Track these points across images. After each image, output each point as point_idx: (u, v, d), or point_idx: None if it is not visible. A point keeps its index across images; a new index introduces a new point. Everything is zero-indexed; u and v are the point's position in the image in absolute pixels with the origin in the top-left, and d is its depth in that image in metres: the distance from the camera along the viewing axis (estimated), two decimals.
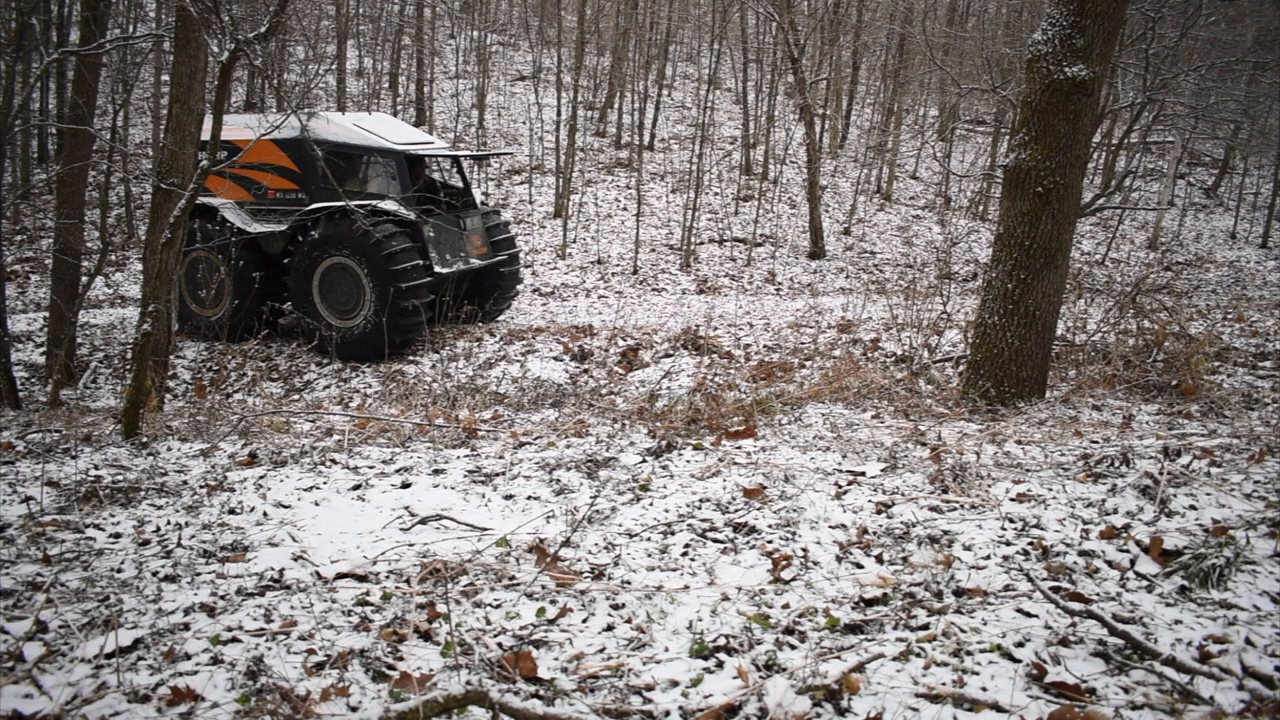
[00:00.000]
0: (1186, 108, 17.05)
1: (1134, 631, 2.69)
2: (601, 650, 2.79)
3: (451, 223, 12.05)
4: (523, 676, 2.61)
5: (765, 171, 20.85)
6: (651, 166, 21.67)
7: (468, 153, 11.95)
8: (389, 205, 11.14)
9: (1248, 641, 2.68)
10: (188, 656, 2.74)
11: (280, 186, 11.90)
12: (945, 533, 3.53)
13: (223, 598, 3.13)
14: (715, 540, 3.56)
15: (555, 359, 10.71)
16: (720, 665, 2.68)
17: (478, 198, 13.29)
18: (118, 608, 3.05)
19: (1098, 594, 3.01)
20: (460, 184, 13.36)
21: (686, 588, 3.16)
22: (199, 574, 3.32)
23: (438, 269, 11.37)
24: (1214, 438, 4.91)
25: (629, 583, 3.22)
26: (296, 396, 10.08)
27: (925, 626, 2.84)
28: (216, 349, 11.79)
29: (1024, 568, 3.17)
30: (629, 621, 2.95)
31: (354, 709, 2.48)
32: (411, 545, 3.57)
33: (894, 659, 2.65)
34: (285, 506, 4.01)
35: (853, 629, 2.87)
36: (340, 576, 3.31)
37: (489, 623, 2.96)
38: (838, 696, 2.47)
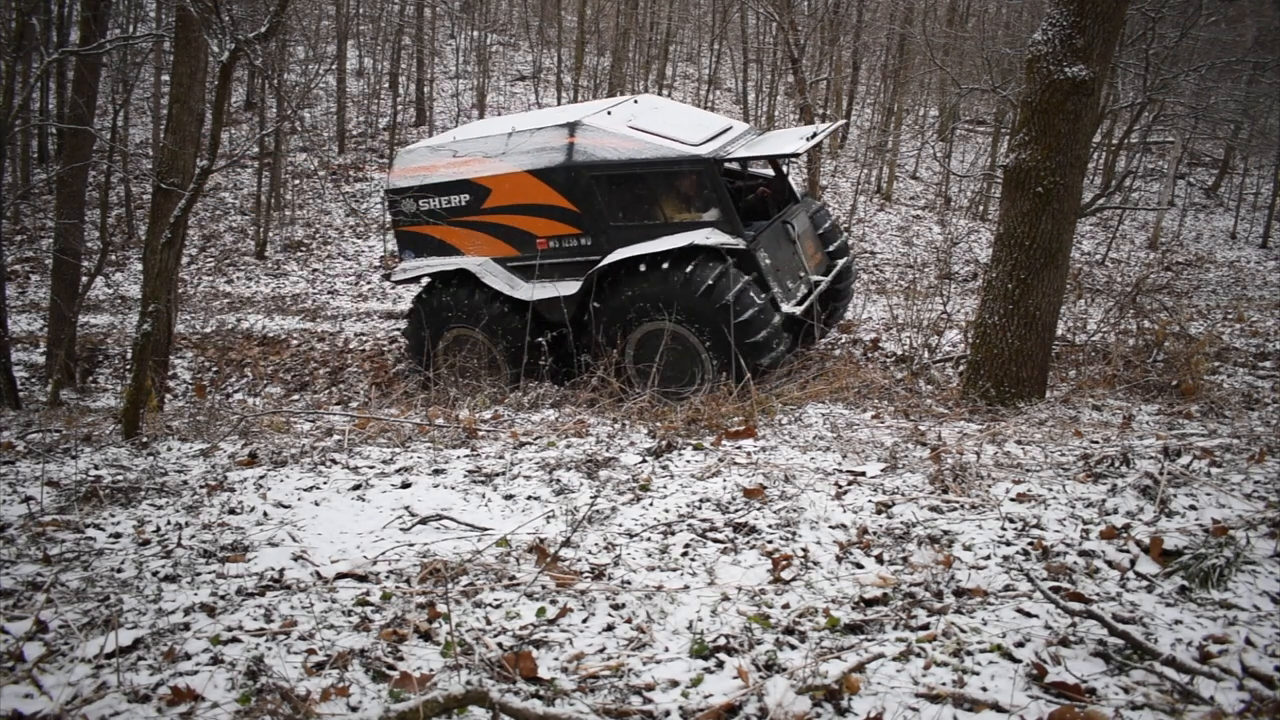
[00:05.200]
0: (1186, 108, 17.04)
1: (1134, 631, 2.69)
2: (601, 650, 2.79)
3: (780, 234, 8.92)
4: (523, 676, 2.61)
5: None
6: None
7: (799, 146, 8.24)
8: (711, 238, 8.10)
9: (1248, 641, 2.68)
10: (188, 656, 2.74)
11: (553, 232, 8.70)
12: (945, 533, 3.53)
13: (223, 598, 3.13)
14: (715, 540, 3.56)
15: None
16: (720, 665, 2.68)
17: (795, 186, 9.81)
18: (118, 608, 3.05)
19: (1098, 594, 3.01)
20: (771, 171, 9.95)
21: (686, 588, 3.16)
22: (199, 574, 3.32)
23: (785, 308, 8.31)
24: (1214, 438, 4.91)
25: (629, 583, 3.22)
26: (296, 397, 10.07)
27: (925, 626, 2.84)
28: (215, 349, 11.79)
29: (1024, 568, 3.17)
30: (629, 621, 2.95)
31: (354, 709, 2.49)
32: (411, 545, 3.57)
33: (894, 659, 2.65)
34: (285, 506, 4.01)
35: (853, 629, 2.87)
36: (340, 576, 3.31)
37: (489, 623, 2.96)
38: (838, 696, 2.47)
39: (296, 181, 19.87)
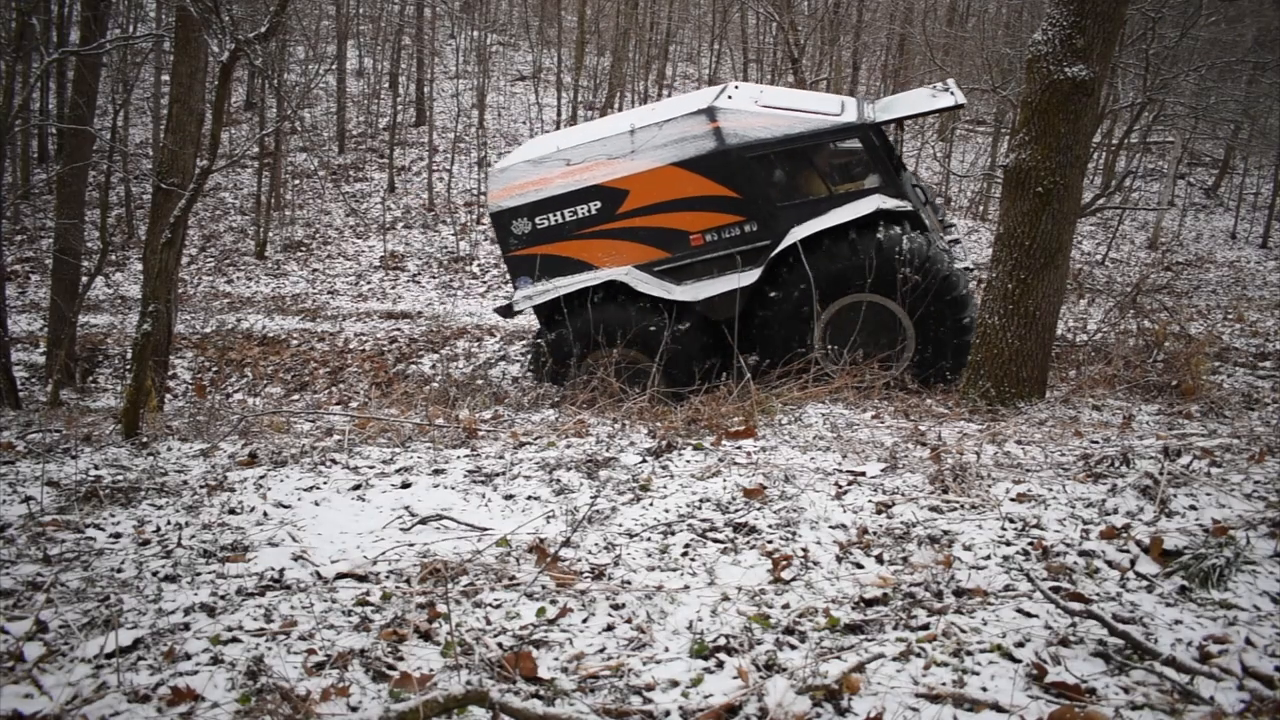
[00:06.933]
0: (1186, 108, 17.04)
1: (1134, 631, 2.69)
2: (602, 650, 2.79)
3: (916, 196, 8.48)
4: (523, 676, 2.61)
5: None
6: None
7: (955, 98, 7.97)
8: (886, 202, 7.73)
9: (1248, 641, 2.68)
10: (188, 656, 2.74)
11: (711, 224, 8.07)
12: (945, 533, 3.53)
13: (223, 598, 3.13)
14: (715, 540, 3.56)
15: None
16: (720, 665, 2.68)
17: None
18: (118, 608, 3.05)
19: (1098, 594, 3.01)
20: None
21: (687, 588, 3.16)
22: (199, 574, 3.32)
23: (958, 263, 8.02)
24: (1214, 438, 4.91)
25: (629, 583, 3.21)
26: (296, 397, 10.07)
27: (925, 626, 2.84)
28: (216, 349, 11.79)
29: (1024, 568, 3.17)
30: (629, 621, 2.95)
31: (354, 709, 2.49)
32: (411, 545, 3.57)
33: (894, 659, 2.65)
34: (285, 506, 4.00)
35: (853, 629, 2.87)
36: (340, 576, 3.31)
37: (489, 623, 2.96)
38: (838, 696, 2.47)
39: (296, 181, 19.88)
